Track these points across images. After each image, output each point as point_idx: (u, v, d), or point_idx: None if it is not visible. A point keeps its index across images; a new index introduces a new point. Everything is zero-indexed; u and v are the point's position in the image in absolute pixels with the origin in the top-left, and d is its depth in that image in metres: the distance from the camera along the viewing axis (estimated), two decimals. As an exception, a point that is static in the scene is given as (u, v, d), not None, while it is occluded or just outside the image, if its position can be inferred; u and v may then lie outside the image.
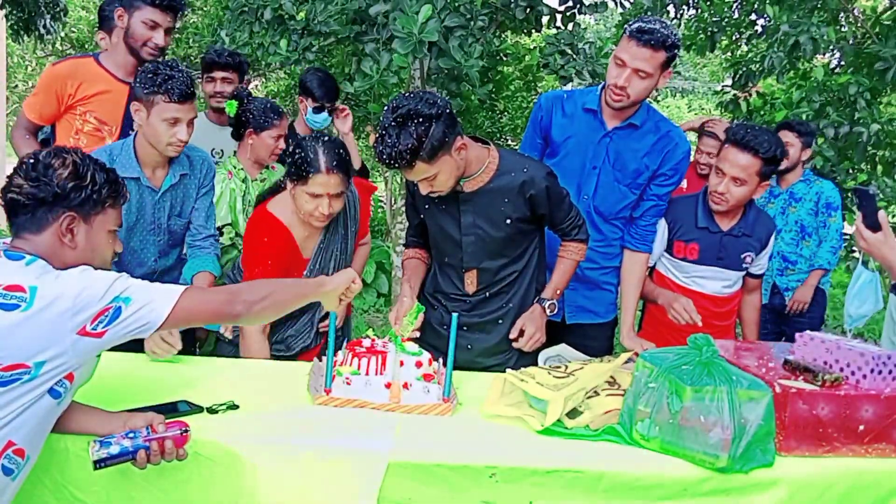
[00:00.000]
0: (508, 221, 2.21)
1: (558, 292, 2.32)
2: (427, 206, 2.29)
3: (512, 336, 2.27)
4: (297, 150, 2.26)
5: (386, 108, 2.05)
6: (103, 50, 2.82)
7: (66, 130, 2.75)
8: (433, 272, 2.42)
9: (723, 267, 2.60)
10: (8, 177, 1.54)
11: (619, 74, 2.32)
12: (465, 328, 2.30)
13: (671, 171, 2.49)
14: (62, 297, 1.42)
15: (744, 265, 2.62)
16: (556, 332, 2.52)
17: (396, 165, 2.01)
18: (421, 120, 1.98)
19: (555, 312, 2.33)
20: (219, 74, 3.35)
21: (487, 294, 2.31)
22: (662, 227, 2.62)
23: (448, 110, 2.04)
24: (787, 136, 3.75)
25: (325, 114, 3.26)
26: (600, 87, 2.49)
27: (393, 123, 1.99)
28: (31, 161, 1.53)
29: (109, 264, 1.64)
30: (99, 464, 1.51)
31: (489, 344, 2.34)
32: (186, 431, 1.57)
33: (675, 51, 2.31)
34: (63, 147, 1.59)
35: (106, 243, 1.61)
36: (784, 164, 3.44)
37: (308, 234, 2.42)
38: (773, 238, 2.68)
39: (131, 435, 1.53)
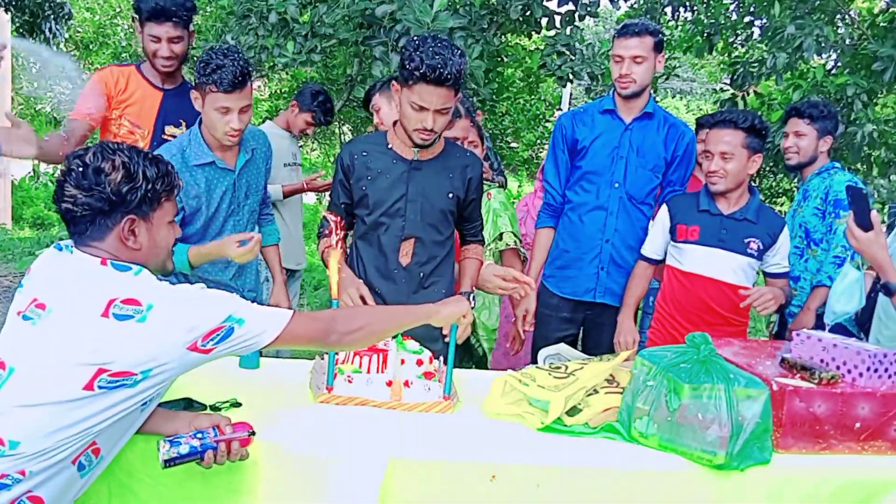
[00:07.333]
0: (451, 195, 2.32)
1: (473, 288, 2.43)
2: (370, 178, 2.30)
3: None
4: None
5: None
6: (143, 61, 2.91)
7: (104, 136, 2.82)
8: (365, 265, 2.39)
9: (725, 249, 2.60)
10: (58, 182, 1.49)
11: (621, 66, 2.77)
12: None
13: (683, 154, 2.87)
14: (177, 315, 1.42)
15: (748, 250, 2.59)
16: (590, 308, 2.92)
17: (441, 70, 2.06)
18: (465, 60, 2.16)
19: (474, 306, 2.37)
20: None
21: (421, 274, 2.34)
22: (663, 215, 2.73)
23: None
24: (797, 125, 3.16)
25: None
26: (611, 90, 2.91)
27: (448, 45, 2.13)
28: (80, 168, 1.46)
29: (171, 252, 1.64)
30: (168, 463, 1.52)
31: (427, 327, 2.34)
32: (253, 434, 1.59)
33: (660, 35, 2.77)
34: (108, 144, 1.52)
35: (168, 235, 1.60)
36: (797, 159, 3.18)
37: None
38: (783, 234, 2.63)
39: (199, 435, 1.55)
